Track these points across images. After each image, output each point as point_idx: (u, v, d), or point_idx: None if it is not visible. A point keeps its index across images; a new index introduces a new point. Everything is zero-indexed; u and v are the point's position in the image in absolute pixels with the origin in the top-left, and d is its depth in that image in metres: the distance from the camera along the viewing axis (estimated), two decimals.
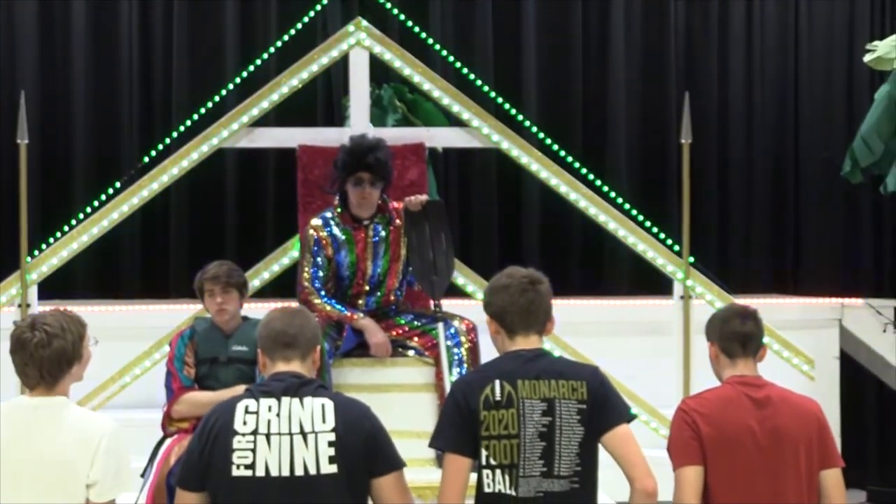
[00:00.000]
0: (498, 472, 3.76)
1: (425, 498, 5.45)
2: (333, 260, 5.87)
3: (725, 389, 4.04)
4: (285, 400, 3.63)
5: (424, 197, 5.96)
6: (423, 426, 5.77)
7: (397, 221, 5.93)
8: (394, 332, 5.91)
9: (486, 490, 3.77)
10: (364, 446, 3.65)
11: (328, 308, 5.78)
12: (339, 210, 5.88)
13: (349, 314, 5.81)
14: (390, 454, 3.72)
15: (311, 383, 3.69)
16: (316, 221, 5.91)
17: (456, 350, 5.79)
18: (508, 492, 3.74)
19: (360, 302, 5.92)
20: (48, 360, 3.72)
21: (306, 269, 5.87)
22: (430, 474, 5.59)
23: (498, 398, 3.76)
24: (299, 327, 3.75)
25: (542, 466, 3.74)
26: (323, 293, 5.84)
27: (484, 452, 3.77)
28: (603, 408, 3.81)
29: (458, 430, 3.79)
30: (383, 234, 5.91)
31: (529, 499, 3.74)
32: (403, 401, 5.81)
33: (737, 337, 4.07)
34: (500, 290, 3.90)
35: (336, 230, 5.87)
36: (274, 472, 3.58)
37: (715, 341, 4.11)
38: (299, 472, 3.58)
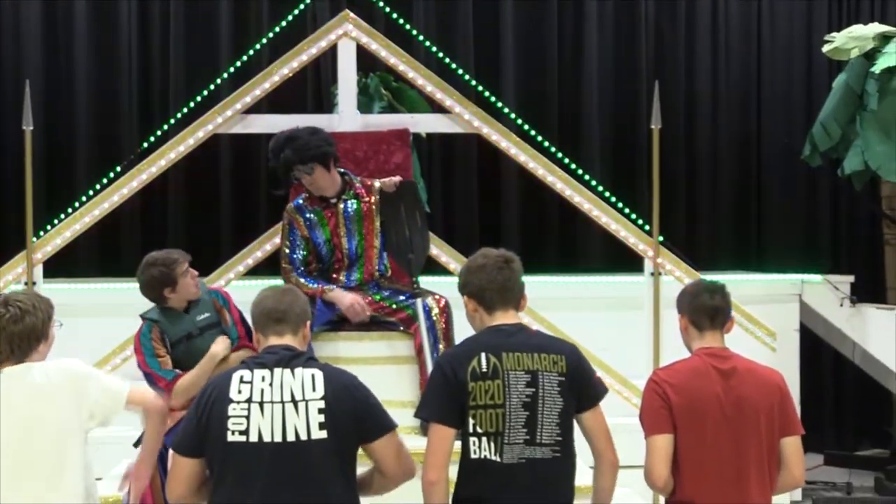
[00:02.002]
0: (484, 439, 3.76)
1: None
2: (310, 240, 5.86)
3: (694, 361, 4.04)
4: (277, 371, 3.64)
5: (398, 178, 5.93)
6: (407, 396, 5.77)
7: (366, 198, 5.88)
8: (372, 309, 5.89)
9: (473, 456, 3.78)
10: (353, 414, 3.66)
11: (302, 283, 5.73)
12: (308, 193, 5.87)
13: (319, 288, 5.77)
14: (380, 419, 3.73)
15: (301, 355, 3.71)
16: (290, 206, 5.92)
17: (431, 326, 5.77)
18: (493, 458, 3.75)
19: (342, 278, 5.89)
20: (18, 336, 3.72)
21: (285, 250, 5.89)
22: (415, 441, 5.58)
23: (484, 369, 3.76)
24: (289, 304, 3.77)
25: (526, 434, 3.75)
26: (300, 271, 5.82)
27: (471, 421, 3.77)
28: (581, 386, 3.84)
29: (445, 401, 3.79)
30: (354, 207, 5.88)
31: (513, 465, 3.74)
32: (387, 372, 5.80)
33: (706, 311, 4.07)
34: (477, 269, 3.91)
35: (308, 212, 5.86)
36: (266, 438, 3.58)
37: (685, 314, 4.11)
38: (291, 437, 3.58)
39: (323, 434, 3.60)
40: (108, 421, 3.82)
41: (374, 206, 5.89)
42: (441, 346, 5.73)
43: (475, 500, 3.77)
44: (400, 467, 3.77)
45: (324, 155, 5.73)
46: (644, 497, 6.12)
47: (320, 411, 3.60)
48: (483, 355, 3.77)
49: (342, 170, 5.94)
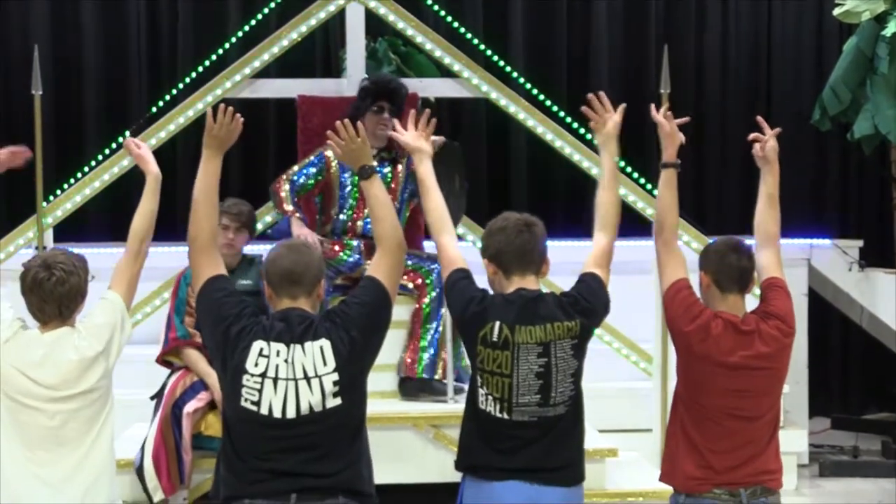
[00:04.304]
0: (490, 398, 3.77)
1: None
2: (335, 181, 5.97)
3: (718, 325, 3.95)
4: (292, 347, 3.64)
5: (441, 139, 5.94)
6: (394, 360, 5.85)
7: (399, 166, 6.01)
8: None
9: (480, 406, 3.79)
10: (366, 357, 3.73)
11: (284, 191, 5.99)
12: None
13: (293, 209, 5.95)
14: (364, 290, 3.77)
15: (311, 326, 3.67)
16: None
17: (440, 294, 5.82)
18: (501, 416, 3.76)
19: (360, 223, 5.96)
20: (66, 297, 3.78)
21: (295, 168, 6.08)
22: (396, 406, 5.74)
23: (495, 339, 3.76)
24: (305, 265, 3.73)
25: (540, 399, 3.75)
26: (292, 188, 6.01)
27: (479, 379, 3.79)
28: (594, 322, 3.90)
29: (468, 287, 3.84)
30: (386, 170, 6.00)
31: (523, 422, 3.76)
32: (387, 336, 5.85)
33: (732, 272, 4.00)
34: (497, 232, 3.88)
35: None
36: (277, 414, 3.60)
37: (709, 273, 4.03)
38: (305, 411, 3.61)
39: (338, 401, 3.63)
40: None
41: (399, 176, 6.01)
42: (443, 311, 5.79)
43: (483, 450, 3.79)
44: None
45: (401, 114, 5.87)
46: (652, 462, 6.16)
47: (335, 383, 3.63)
48: (497, 325, 3.75)
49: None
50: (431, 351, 5.79)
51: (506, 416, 3.76)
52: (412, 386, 5.78)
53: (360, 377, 3.70)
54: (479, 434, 3.80)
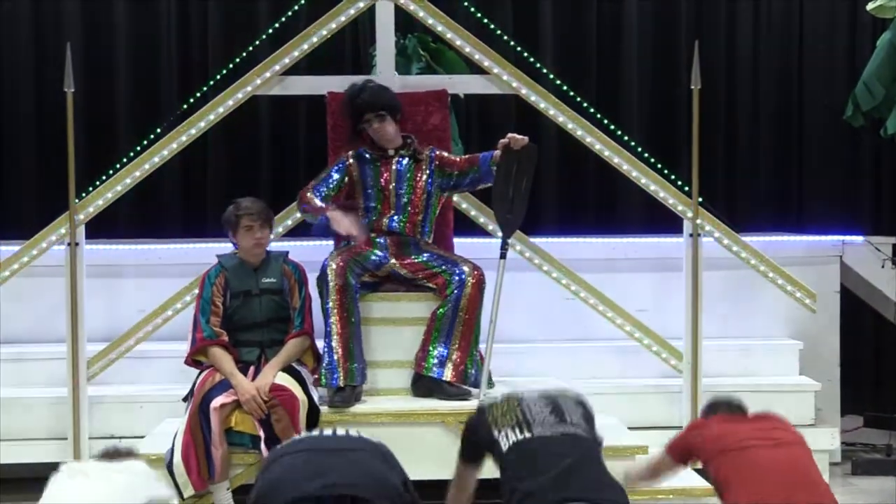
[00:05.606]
0: (509, 429, 3.87)
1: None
2: (358, 184, 6.03)
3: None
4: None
5: (526, 139, 5.99)
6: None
7: (422, 163, 6.04)
8: (410, 271, 5.96)
9: (504, 449, 3.85)
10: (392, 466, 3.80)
11: (310, 198, 5.98)
12: (367, 147, 6.10)
13: (322, 206, 5.93)
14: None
15: None
16: (352, 151, 6.14)
17: (458, 296, 5.82)
18: (523, 436, 3.83)
19: (385, 222, 6.01)
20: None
21: (321, 175, 6.11)
22: (409, 403, 5.80)
23: (499, 401, 4.01)
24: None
25: (555, 418, 3.86)
26: (318, 193, 6.02)
27: (496, 433, 3.90)
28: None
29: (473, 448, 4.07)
30: (406, 164, 6.05)
31: (551, 436, 3.81)
32: (411, 333, 5.88)
33: (725, 402, 4.34)
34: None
35: (366, 157, 6.08)
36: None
37: (710, 414, 4.34)
38: (342, 433, 3.73)
39: (374, 439, 3.76)
40: None
41: (423, 169, 6.01)
42: (461, 315, 5.79)
43: (520, 478, 3.79)
44: None
45: (393, 107, 6.06)
46: None
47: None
48: (499, 396, 4.07)
49: (406, 134, 6.14)
50: (442, 351, 5.79)
51: (528, 434, 3.81)
52: (422, 385, 5.83)
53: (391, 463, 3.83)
54: (512, 475, 3.82)
